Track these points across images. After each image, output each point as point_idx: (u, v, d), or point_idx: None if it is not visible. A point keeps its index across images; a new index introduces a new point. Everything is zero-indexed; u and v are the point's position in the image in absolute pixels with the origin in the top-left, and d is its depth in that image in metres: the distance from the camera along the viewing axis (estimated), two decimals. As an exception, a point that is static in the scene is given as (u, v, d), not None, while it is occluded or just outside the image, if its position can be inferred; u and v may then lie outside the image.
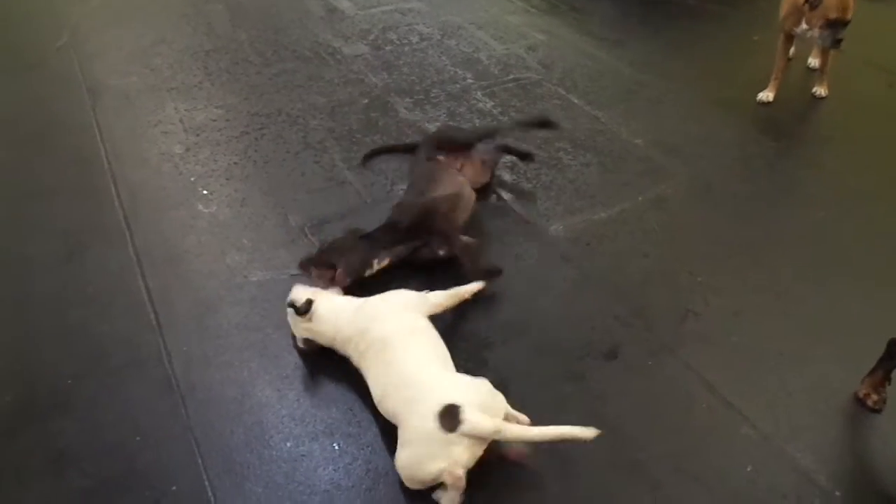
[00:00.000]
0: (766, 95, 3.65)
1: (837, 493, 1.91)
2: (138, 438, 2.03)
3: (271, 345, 2.32)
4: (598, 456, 1.97)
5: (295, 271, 2.54)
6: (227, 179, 3.10)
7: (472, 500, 1.85)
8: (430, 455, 1.78)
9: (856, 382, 2.17)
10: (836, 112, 3.64)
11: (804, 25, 3.41)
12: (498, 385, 1.95)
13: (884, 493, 1.96)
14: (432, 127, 3.40)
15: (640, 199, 2.99)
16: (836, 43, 3.37)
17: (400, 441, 1.86)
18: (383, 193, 3.00)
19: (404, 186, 2.93)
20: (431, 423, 1.77)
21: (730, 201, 3.01)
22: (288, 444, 2.02)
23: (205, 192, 3.02)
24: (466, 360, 2.22)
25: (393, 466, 1.89)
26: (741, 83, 3.79)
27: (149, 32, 4.35)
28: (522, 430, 1.88)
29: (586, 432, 1.80)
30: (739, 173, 3.20)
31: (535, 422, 1.96)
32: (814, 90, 3.70)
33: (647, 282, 2.59)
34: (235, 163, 3.21)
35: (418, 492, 1.86)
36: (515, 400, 1.99)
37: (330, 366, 2.22)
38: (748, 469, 1.96)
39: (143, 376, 2.22)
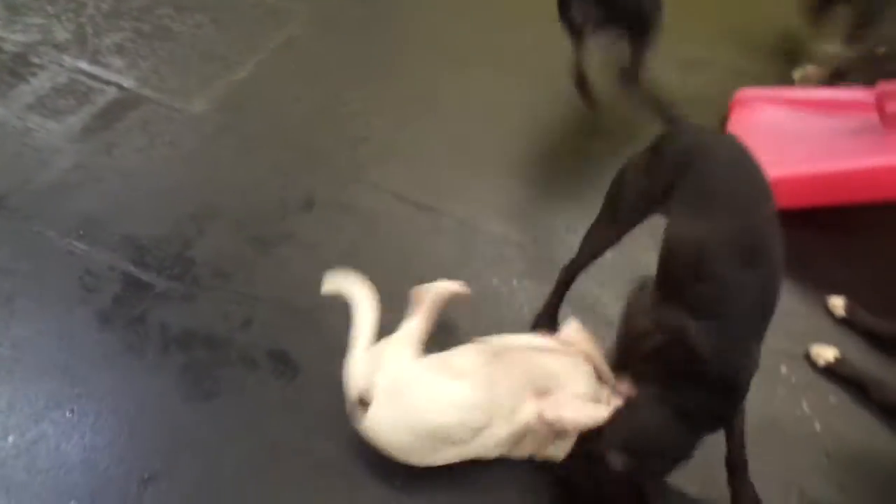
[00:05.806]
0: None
1: (530, 247, 2.25)
2: None
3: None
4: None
5: None
6: None
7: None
8: None
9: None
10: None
11: None
12: (217, 276, 1.86)
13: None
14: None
15: (271, 46, 2.89)
16: None
17: None
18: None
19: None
20: None
21: (354, 26, 3.06)
22: (11, 439, 1.72)
23: None
24: (171, 266, 2.08)
25: (151, 397, 1.78)
26: None
27: None
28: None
29: None
30: (353, -2, 3.23)
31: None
32: None
33: (310, 124, 2.60)
34: None
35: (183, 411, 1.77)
36: (238, 293, 1.92)
37: (27, 342, 1.91)
38: (458, 251, 2.21)
39: None
